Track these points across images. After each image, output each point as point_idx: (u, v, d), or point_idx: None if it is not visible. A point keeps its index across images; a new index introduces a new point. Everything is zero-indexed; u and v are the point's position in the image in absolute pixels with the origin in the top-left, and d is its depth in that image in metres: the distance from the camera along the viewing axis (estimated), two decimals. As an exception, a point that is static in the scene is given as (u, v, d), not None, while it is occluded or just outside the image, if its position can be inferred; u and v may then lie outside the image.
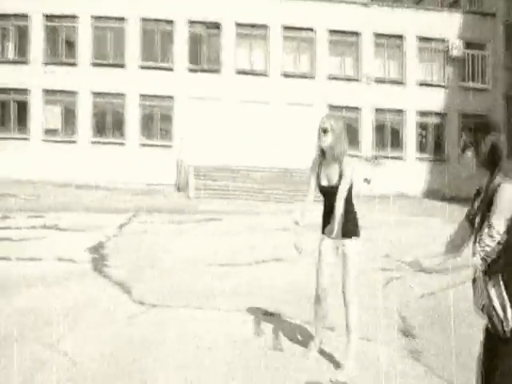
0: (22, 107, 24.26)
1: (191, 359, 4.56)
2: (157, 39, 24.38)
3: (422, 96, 25.09)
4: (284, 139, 23.64)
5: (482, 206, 2.52)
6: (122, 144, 24.13)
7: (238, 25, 24.27)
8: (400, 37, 25.22)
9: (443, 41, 25.43)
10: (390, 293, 6.61)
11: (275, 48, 24.52)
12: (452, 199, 22.65)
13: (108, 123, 24.48)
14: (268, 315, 5.85)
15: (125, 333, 5.12)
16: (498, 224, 2.41)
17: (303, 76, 24.83)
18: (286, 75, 24.60)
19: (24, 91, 23.97)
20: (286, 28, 24.47)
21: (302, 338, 5.20)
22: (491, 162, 2.52)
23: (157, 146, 24.09)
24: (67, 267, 7.92)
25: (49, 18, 23.97)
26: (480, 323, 2.71)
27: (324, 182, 4.44)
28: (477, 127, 2.57)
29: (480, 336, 2.70)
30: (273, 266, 8.65)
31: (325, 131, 4.29)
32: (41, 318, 5.42)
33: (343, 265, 4.36)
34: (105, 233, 11.02)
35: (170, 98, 24.15)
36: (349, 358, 4.32)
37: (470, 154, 2.57)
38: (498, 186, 2.45)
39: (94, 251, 9.15)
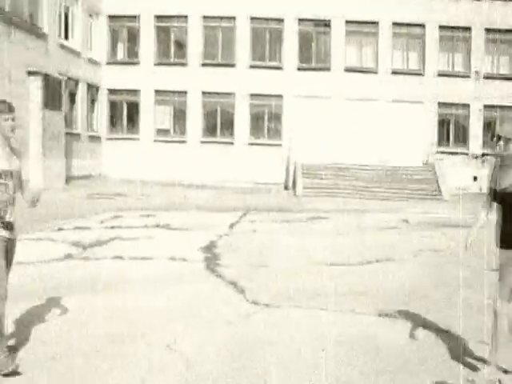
0: (134, 108, 24.83)
1: (304, 360, 4.38)
2: (267, 38, 24.41)
3: None
4: (392, 137, 22.80)
5: None
6: (231, 143, 24.26)
7: (348, 22, 24.08)
8: None
9: None
10: None
11: (384, 45, 24.30)
12: None
13: (217, 123, 24.71)
14: (385, 316, 5.65)
15: (240, 333, 5.00)
16: None
17: (412, 73, 24.53)
18: (395, 72, 24.34)
19: (135, 92, 24.50)
20: (396, 24, 24.21)
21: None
22: None
23: (265, 144, 24.15)
24: (180, 266, 7.88)
25: (159, 18, 24.39)
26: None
27: (503, 186, 4.07)
28: None
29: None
30: (384, 265, 8.36)
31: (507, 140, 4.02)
32: (156, 318, 5.39)
33: None
34: (216, 232, 10.98)
35: (280, 96, 24.15)
36: None
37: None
38: None
39: (206, 250, 9.10)
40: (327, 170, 22.46)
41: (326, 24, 24.19)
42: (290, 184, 22.60)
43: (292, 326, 5.26)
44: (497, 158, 4.18)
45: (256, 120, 24.57)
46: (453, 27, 24.23)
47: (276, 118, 24.46)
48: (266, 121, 24.61)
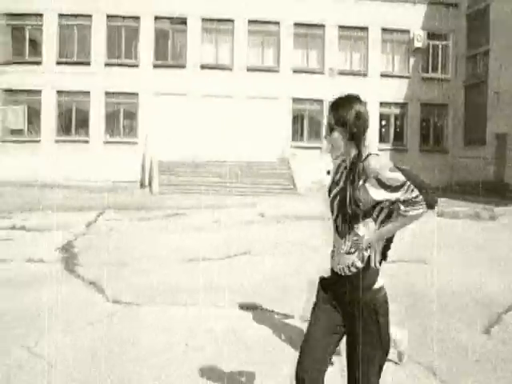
0: None
1: (174, 359, 4.55)
2: (123, 35, 24.55)
3: (384, 87, 25.50)
4: (248, 133, 23.78)
5: (353, 179, 2.54)
6: (86, 142, 24.00)
7: (204, 20, 24.59)
8: (364, 29, 25.63)
9: (407, 32, 25.95)
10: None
11: (240, 42, 24.83)
12: None
13: (72, 121, 24.60)
14: (246, 309, 5.89)
15: (101, 333, 5.10)
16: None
17: (267, 70, 25.10)
18: (251, 69, 24.88)
19: None
20: (252, 22, 24.70)
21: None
22: (358, 135, 2.53)
23: (122, 142, 24.16)
24: (37, 268, 7.86)
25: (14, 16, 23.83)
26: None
27: None
28: (339, 103, 2.56)
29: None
30: (244, 259, 8.75)
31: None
32: (15, 322, 5.38)
33: None
34: (73, 232, 11.05)
35: (135, 94, 24.35)
36: None
37: (336, 134, 2.55)
38: (367, 157, 2.52)
39: (63, 251, 9.11)
40: (184, 167, 22.76)
41: (182, 21, 24.46)
42: (147, 182, 22.66)
43: (154, 322, 5.44)
44: None
45: (112, 118, 24.50)
46: (308, 25, 25.18)
47: (132, 115, 24.57)
48: (122, 119, 24.59)
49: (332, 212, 2.66)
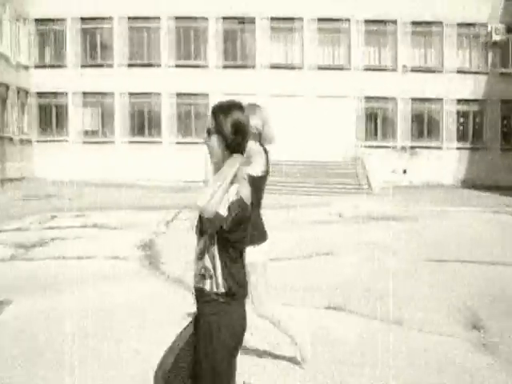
0: (62, 110, 25.26)
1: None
2: (191, 37, 24.92)
3: (461, 83, 24.67)
4: (319, 132, 23.46)
5: None
6: (159, 142, 24.40)
7: (273, 19, 24.52)
8: (439, 23, 24.80)
9: (484, 26, 24.90)
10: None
11: (310, 41, 24.71)
12: (488, 188, 22.62)
13: (145, 123, 25.19)
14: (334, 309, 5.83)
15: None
16: None
17: (338, 68, 24.82)
18: (321, 68, 24.66)
19: (63, 94, 24.93)
20: (321, 20, 24.47)
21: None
22: (237, 145, 2.38)
23: (193, 143, 24.33)
24: (122, 265, 7.98)
25: (84, 20, 24.81)
26: None
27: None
28: (218, 109, 2.41)
29: None
30: (327, 259, 8.62)
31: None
32: (108, 316, 5.42)
33: None
34: (152, 230, 11.17)
35: (205, 95, 24.47)
36: None
37: (214, 140, 2.39)
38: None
39: (146, 248, 9.14)
40: None
41: (251, 21, 24.52)
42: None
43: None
44: None
45: (183, 119, 25.01)
46: (379, 21, 24.67)
47: (202, 116, 24.65)
48: (193, 119, 24.85)
49: None
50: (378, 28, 24.82)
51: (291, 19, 24.50)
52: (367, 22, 24.61)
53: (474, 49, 25.29)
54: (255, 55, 24.62)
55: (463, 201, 18.28)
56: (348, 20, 24.62)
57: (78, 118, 24.75)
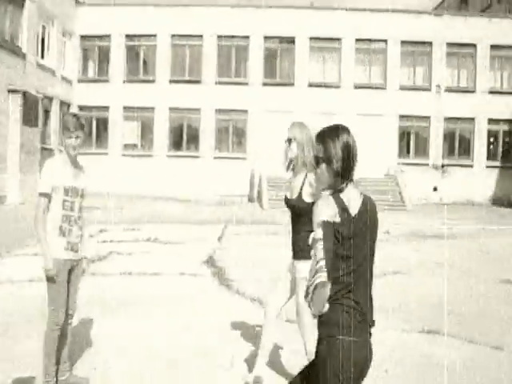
0: (103, 123, 25.47)
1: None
2: (232, 54, 25.29)
3: (492, 103, 25.15)
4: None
5: None
6: (196, 157, 24.45)
7: (312, 38, 25.03)
8: (473, 45, 25.47)
9: None
10: None
11: (347, 60, 25.17)
12: None
13: (183, 137, 25.42)
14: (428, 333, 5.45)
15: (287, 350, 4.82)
16: None
17: (375, 87, 25.38)
18: (358, 87, 25.21)
19: (105, 108, 25.13)
20: (359, 40, 25.20)
21: None
22: (347, 170, 2.31)
23: (230, 158, 24.85)
24: (193, 282, 7.66)
25: (129, 37, 25.21)
26: None
27: (288, 195, 4.05)
28: (325, 134, 2.34)
29: None
30: (396, 279, 8.26)
31: (289, 141, 3.93)
32: (199, 338, 5.13)
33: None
34: (208, 245, 10.94)
35: (244, 111, 25.05)
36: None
37: (323, 167, 2.32)
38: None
39: (209, 264, 8.69)
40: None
41: (290, 41, 25.18)
42: (255, 196, 21.98)
43: None
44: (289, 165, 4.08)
45: (221, 134, 25.37)
46: (415, 42, 25.16)
47: (241, 132, 25.39)
48: (231, 135, 25.20)
49: None
50: (415, 49, 25.40)
51: (330, 39, 25.05)
52: (403, 42, 25.21)
53: (506, 70, 24.76)
54: (294, 73, 25.05)
55: (504, 219, 17.47)
56: (385, 41, 25.16)
57: (118, 131, 25.15)
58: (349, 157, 2.29)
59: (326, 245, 2.20)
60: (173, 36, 24.87)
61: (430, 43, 25.07)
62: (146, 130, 25.26)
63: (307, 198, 3.80)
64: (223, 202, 22.05)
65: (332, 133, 2.33)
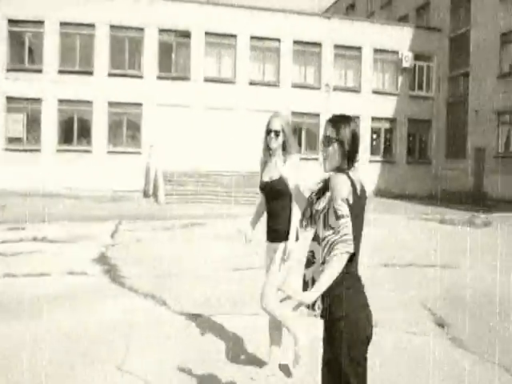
0: None
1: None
2: (126, 46, 24.47)
3: (375, 103, 27.00)
4: (250, 144, 23.29)
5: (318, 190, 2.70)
6: (89, 151, 23.20)
7: (207, 33, 25.06)
8: (358, 48, 27.10)
9: (396, 53, 27.58)
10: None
11: (243, 57, 25.50)
12: (398, 197, 24.91)
13: (74, 131, 24.19)
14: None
15: (184, 346, 4.86)
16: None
17: (268, 84, 25.94)
18: (252, 83, 25.59)
19: None
20: (253, 38, 25.63)
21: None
22: (352, 152, 2.60)
23: (125, 152, 23.66)
24: (83, 281, 7.36)
25: (13, 22, 23.30)
26: None
27: (266, 179, 4.23)
28: (338, 120, 2.62)
29: None
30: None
31: (275, 132, 4.12)
32: (89, 338, 5.00)
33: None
34: (100, 243, 10.67)
35: (139, 104, 24.40)
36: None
37: (333, 148, 2.59)
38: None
39: (101, 262, 8.37)
40: (188, 177, 22.65)
41: (186, 35, 24.96)
42: (151, 191, 21.74)
43: (235, 331, 5.25)
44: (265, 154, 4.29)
45: (115, 128, 24.53)
46: (306, 43, 26.10)
47: (135, 126, 24.75)
48: (125, 129, 24.51)
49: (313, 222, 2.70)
50: (306, 49, 26.34)
51: (225, 35, 25.23)
52: (295, 42, 26.07)
53: (387, 72, 26.37)
54: (190, 68, 24.90)
55: (384, 208, 18.69)
56: (278, 40, 25.87)
57: (1, 123, 23.38)
58: (356, 142, 2.59)
59: (349, 221, 2.47)
60: (62, 24, 23.37)
61: (320, 44, 26.24)
62: (33, 123, 23.60)
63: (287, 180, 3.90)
64: (117, 198, 21.33)
65: (344, 119, 2.61)
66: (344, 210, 2.45)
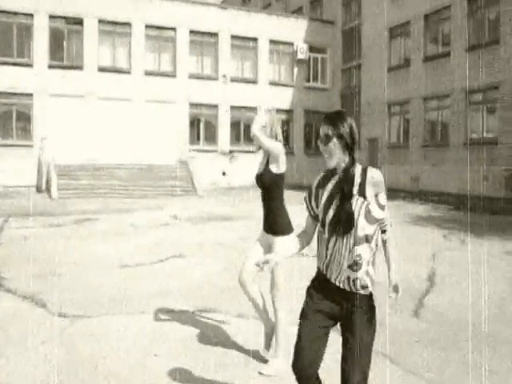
0: None
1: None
2: (14, 33, 23.12)
3: (272, 94, 27.22)
4: (147, 136, 22.92)
5: (346, 187, 2.65)
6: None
7: (101, 21, 24.22)
8: (254, 39, 27.26)
9: (291, 44, 28.00)
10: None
11: (138, 46, 24.93)
12: (295, 187, 24.74)
13: None
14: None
15: (59, 349, 4.67)
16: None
17: (165, 74, 25.55)
18: (149, 73, 25.16)
19: None
20: (149, 27, 25.04)
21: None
22: (351, 145, 2.67)
23: (14, 145, 22.27)
24: None
25: None
26: None
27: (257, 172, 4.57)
28: (336, 116, 2.69)
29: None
30: (177, 262, 8.58)
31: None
32: None
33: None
34: None
35: (29, 95, 23.14)
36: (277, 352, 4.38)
37: (333, 144, 2.65)
38: (365, 169, 2.67)
39: None
40: (83, 171, 21.98)
41: (78, 22, 24.00)
42: (44, 186, 20.78)
43: (114, 333, 5.15)
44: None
45: (3, 120, 23.13)
46: (202, 33, 25.90)
47: (26, 117, 23.33)
48: (15, 121, 22.40)
49: (329, 226, 2.68)
50: (203, 39, 26.15)
51: (120, 24, 24.47)
52: (192, 32, 25.75)
53: (283, 64, 26.77)
54: (83, 57, 23.97)
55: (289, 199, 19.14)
56: (174, 29, 25.43)
57: None
58: (354, 135, 2.65)
59: None
60: None
61: (217, 34, 26.19)
62: None
63: (274, 169, 4.28)
64: (8, 194, 20.19)
65: (340, 115, 2.68)
66: (384, 199, 2.70)
